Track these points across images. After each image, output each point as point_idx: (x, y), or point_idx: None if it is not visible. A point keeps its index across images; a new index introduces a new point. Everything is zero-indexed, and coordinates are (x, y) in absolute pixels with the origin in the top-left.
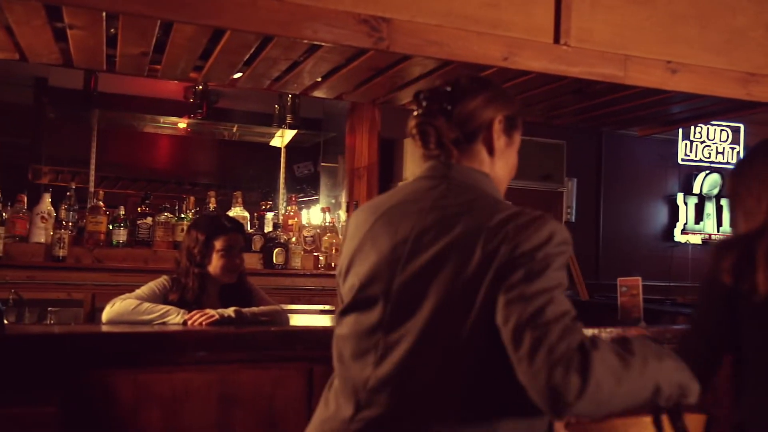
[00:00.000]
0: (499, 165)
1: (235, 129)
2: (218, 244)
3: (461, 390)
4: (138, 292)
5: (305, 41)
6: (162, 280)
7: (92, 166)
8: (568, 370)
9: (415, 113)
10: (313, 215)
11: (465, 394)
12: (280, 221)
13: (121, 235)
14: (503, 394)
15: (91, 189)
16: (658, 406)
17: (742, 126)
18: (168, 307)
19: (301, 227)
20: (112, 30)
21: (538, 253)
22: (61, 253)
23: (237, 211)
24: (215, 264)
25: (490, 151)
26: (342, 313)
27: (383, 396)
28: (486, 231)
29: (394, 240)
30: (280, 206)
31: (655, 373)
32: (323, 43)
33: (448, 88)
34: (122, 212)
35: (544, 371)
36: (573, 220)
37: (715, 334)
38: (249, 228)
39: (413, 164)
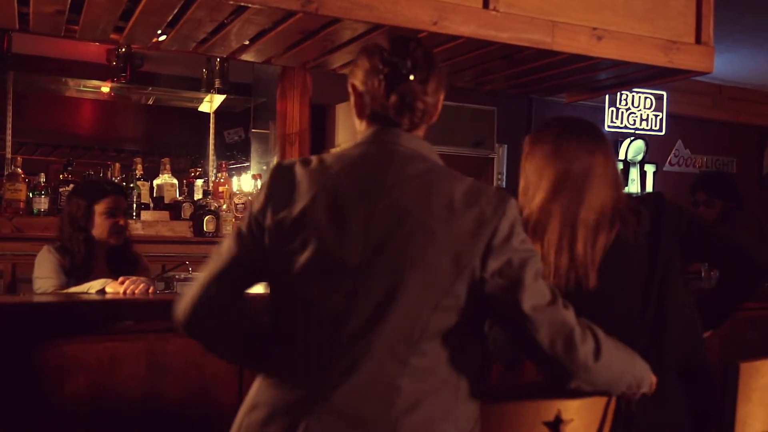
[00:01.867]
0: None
1: (161, 94)
2: (100, 207)
3: (429, 357)
4: (42, 274)
5: (231, 2)
6: (46, 252)
7: (8, 132)
8: (585, 335)
9: (392, 86)
10: (244, 182)
11: (431, 359)
12: (211, 188)
13: (42, 203)
14: (466, 359)
15: (8, 155)
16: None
17: (665, 93)
18: (91, 283)
19: (232, 194)
20: None
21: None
22: None
23: (165, 178)
24: (100, 227)
25: (430, 121)
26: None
27: (357, 357)
28: (459, 199)
29: (359, 208)
30: (210, 173)
31: (630, 359)
32: (250, 5)
33: (415, 63)
34: (43, 180)
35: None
36: (504, 185)
37: None
38: (178, 195)
39: (345, 130)
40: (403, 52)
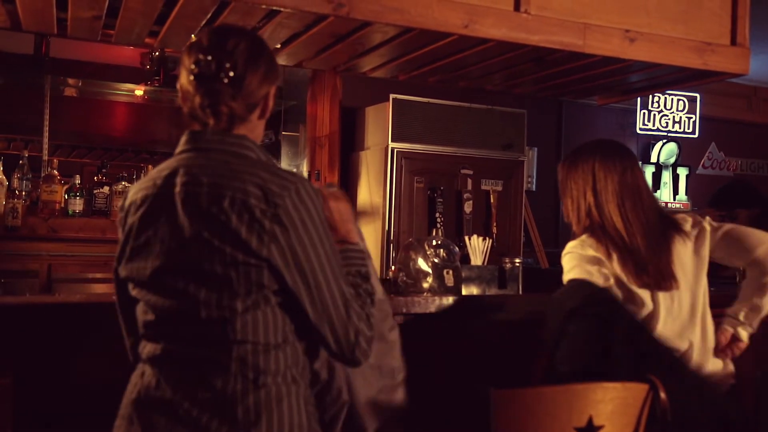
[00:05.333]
0: (262, 123)
1: None
2: None
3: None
4: None
5: (263, 6)
6: None
7: (45, 134)
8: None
9: (200, 87)
10: None
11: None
12: None
13: (77, 204)
14: None
15: (45, 157)
16: None
17: (698, 96)
18: None
19: None
20: None
21: None
22: (15, 223)
23: None
24: None
25: (262, 116)
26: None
27: None
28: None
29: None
30: None
31: None
32: (282, 9)
33: (228, 63)
34: (78, 181)
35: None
36: (534, 189)
37: None
38: None
39: (375, 133)
40: (218, 49)
